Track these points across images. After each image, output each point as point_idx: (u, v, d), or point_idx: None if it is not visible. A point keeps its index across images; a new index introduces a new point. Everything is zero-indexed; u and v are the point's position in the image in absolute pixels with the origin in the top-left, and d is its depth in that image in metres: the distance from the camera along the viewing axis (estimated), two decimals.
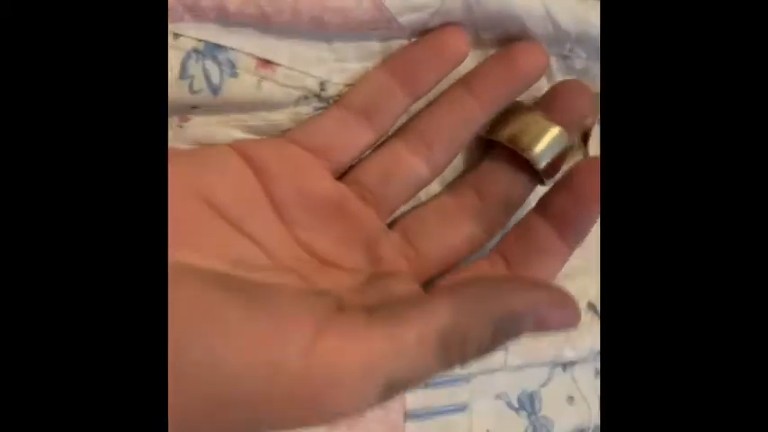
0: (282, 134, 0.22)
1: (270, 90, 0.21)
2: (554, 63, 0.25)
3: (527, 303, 0.16)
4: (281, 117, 0.22)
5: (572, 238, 0.21)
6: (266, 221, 0.20)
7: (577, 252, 0.30)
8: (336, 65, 0.22)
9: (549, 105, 0.23)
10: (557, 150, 0.22)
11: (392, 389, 0.15)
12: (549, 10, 0.23)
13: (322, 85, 0.22)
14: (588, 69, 0.26)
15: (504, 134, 0.22)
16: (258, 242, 0.19)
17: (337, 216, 0.21)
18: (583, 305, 0.28)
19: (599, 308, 0.28)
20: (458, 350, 0.16)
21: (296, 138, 0.22)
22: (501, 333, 0.16)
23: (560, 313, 0.16)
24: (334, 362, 0.14)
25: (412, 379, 0.15)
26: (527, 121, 0.22)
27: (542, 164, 0.22)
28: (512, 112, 0.23)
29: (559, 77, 0.26)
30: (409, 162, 0.22)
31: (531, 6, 0.22)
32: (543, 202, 0.22)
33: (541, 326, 0.16)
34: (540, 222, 0.21)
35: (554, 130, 0.22)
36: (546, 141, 0.22)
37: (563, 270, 0.30)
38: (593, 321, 0.28)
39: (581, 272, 0.30)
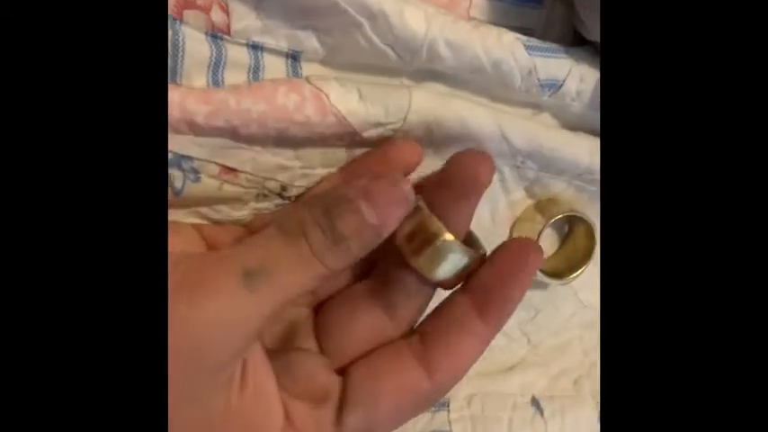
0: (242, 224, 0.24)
1: (231, 191, 0.22)
2: (508, 173, 0.27)
3: (353, 186, 0.18)
4: (244, 213, 0.23)
5: (492, 317, 0.20)
6: None
7: (525, 345, 0.32)
8: (300, 171, 0.23)
9: (449, 178, 0.21)
10: (458, 270, 0.20)
11: (253, 277, 0.17)
12: (502, 130, 0.24)
13: (283, 187, 0.23)
14: (540, 178, 0.28)
15: (411, 257, 0.20)
16: None
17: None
18: (527, 399, 0.29)
19: (542, 405, 0.29)
20: (298, 232, 0.18)
21: (252, 225, 0.23)
22: (335, 211, 0.18)
23: (383, 182, 0.18)
24: (195, 265, 0.17)
25: (267, 266, 0.17)
26: (431, 241, 0.19)
27: (448, 285, 0.21)
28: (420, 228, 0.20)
29: (512, 186, 0.27)
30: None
31: (486, 127, 0.24)
32: (467, 280, 0.21)
33: (370, 196, 0.18)
34: (460, 300, 0.20)
35: (454, 256, 0.20)
36: (447, 267, 0.20)
37: (510, 361, 0.31)
38: (534, 418, 0.29)
39: (530, 365, 0.32)
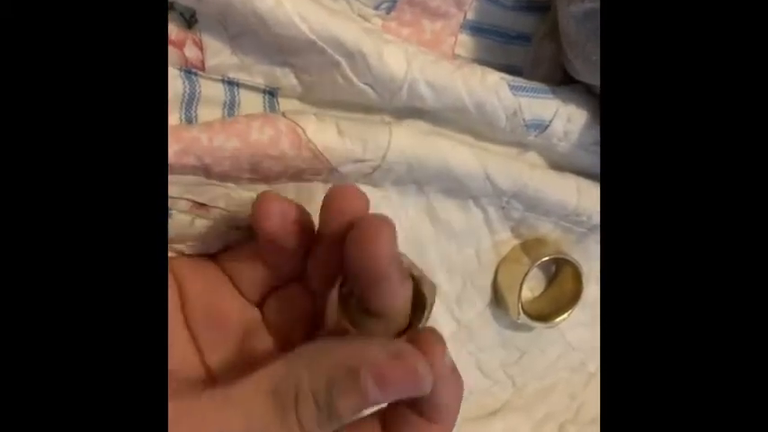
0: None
1: (203, 225, 0.22)
2: (492, 213, 0.26)
3: (361, 358, 0.16)
4: (218, 248, 0.23)
5: (440, 418, 0.19)
6: (179, 339, 0.21)
7: (510, 388, 0.31)
8: None
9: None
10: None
11: None
12: (487, 171, 0.24)
13: None
14: (525, 218, 0.27)
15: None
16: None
17: (242, 338, 0.22)
18: None
19: None
20: (291, 400, 0.16)
21: (219, 259, 0.22)
22: (337, 387, 0.16)
23: (400, 367, 0.16)
24: (177, 415, 0.15)
25: (248, 430, 0.16)
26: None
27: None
28: None
29: (497, 226, 0.27)
30: (303, 301, 0.22)
31: (470, 167, 0.24)
32: None
33: (382, 381, 0.16)
34: (403, 413, 0.19)
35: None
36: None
37: (493, 405, 0.30)
38: None
39: (513, 409, 0.31)
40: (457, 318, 0.28)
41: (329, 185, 0.23)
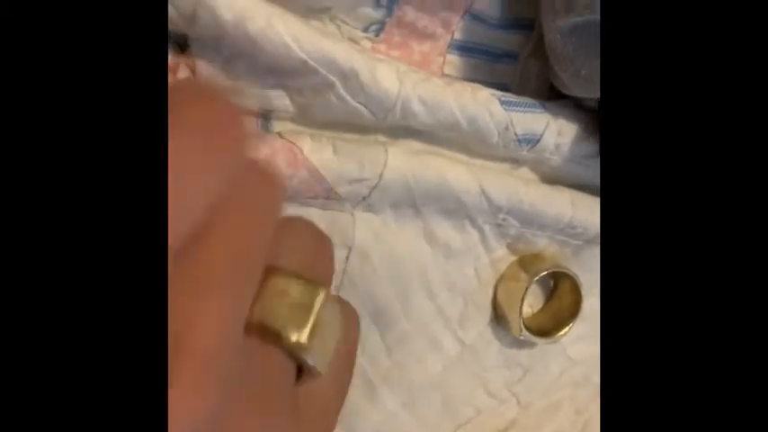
0: None
1: None
2: (488, 231, 0.26)
3: None
4: None
5: None
6: None
7: (515, 407, 0.30)
8: None
9: None
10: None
11: None
12: (483, 187, 0.24)
13: None
14: (522, 234, 0.27)
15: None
16: None
17: None
18: None
19: None
20: None
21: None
22: None
23: None
24: None
25: None
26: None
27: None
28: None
29: (494, 244, 0.27)
30: None
31: (466, 183, 0.24)
32: None
33: None
34: None
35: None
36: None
37: (500, 424, 0.30)
38: None
39: (521, 428, 0.30)
40: (460, 338, 0.28)
41: (327, 212, 0.23)
